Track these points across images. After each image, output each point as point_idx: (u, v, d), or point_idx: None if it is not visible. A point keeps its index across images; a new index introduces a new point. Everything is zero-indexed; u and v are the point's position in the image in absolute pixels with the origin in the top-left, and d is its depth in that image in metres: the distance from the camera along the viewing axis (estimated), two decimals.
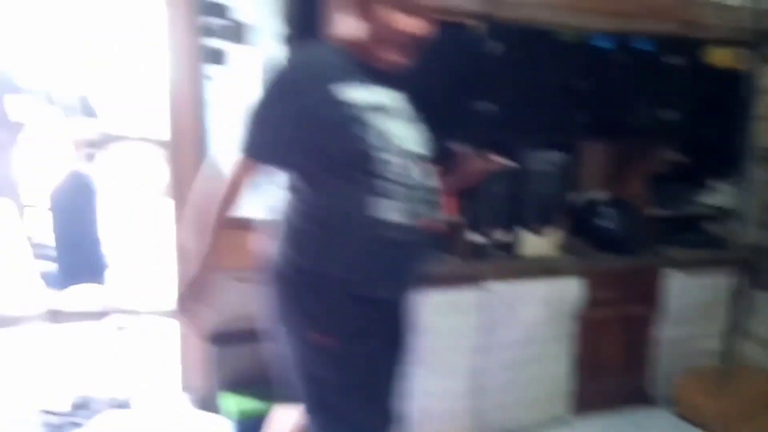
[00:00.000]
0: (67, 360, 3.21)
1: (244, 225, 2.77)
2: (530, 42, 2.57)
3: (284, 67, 1.62)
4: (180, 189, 2.78)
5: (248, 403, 2.61)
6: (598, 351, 2.82)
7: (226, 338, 2.78)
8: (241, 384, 2.73)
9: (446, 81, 2.48)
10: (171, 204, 2.84)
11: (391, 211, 1.57)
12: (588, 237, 2.93)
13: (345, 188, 1.58)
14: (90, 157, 3.86)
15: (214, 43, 2.67)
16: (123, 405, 2.80)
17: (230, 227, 2.72)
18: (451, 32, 2.43)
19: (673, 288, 2.86)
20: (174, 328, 3.09)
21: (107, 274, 3.89)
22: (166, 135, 2.81)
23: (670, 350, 2.93)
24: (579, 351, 2.77)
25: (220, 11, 2.60)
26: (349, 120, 1.54)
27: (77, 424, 2.62)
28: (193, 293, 1.73)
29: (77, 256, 3.75)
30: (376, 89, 1.61)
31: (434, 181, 1.69)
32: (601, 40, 2.68)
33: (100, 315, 3.75)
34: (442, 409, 2.55)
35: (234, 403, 2.60)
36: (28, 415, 2.63)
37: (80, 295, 3.88)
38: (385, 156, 1.56)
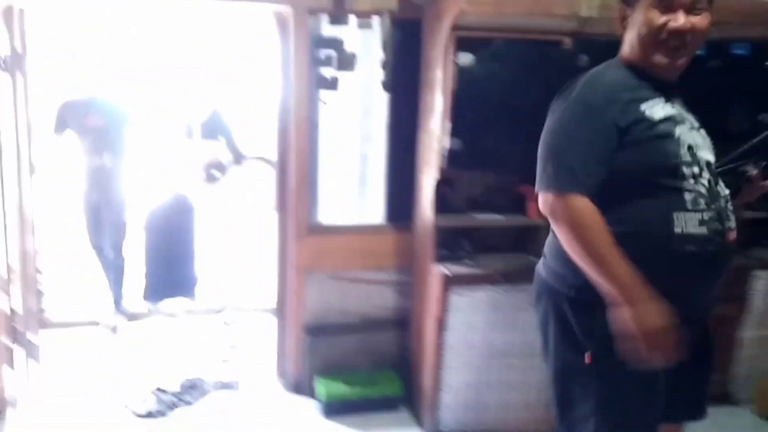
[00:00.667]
0: (180, 349, 3.58)
1: (337, 231, 3.04)
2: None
3: (584, 92, 1.56)
4: (285, 204, 3.08)
5: (336, 388, 2.82)
6: None
7: (318, 330, 3.02)
8: (330, 370, 2.95)
9: (538, 97, 2.59)
10: (276, 217, 3.15)
11: (694, 223, 1.49)
12: None
13: (649, 203, 1.51)
14: (210, 177, 4.15)
15: (327, 71, 2.93)
16: (228, 387, 3.10)
17: (327, 233, 2.99)
18: (544, 50, 2.55)
19: (761, 289, 2.82)
20: (270, 322, 3.37)
21: (197, 289, 4.19)
22: (276, 155, 3.11)
23: (754, 351, 2.87)
24: None
25: (332, 43, 2.87)
26: (659, 136, 1.50)
27: (187, 402, 2.93)
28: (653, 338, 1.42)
29: (168, 273, 4.06)
30: (667, 100, 1.56)
31: (725, 189, 1.61)
32: None
33: (210, 311, 4.15)
34: (523, 402, 2.64)
35: (323, 387, 2.82)
36: (145, 393, 2.97)
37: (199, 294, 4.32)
38: (692, 168, 1.52)
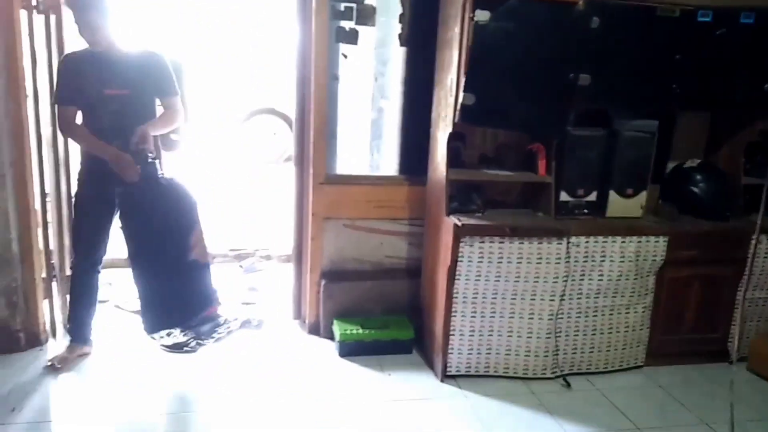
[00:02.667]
0: None
1: (354, 181, 3.15)
2: (631, 17, 2.67)
3: None
4: (304, 154, 3.18)
5: (351, 330, 3.01)
6: (678, 307, 2.96)
7: (334, 275, 3.19)
8: (344, 314, 3.14)
9: (548, 58, 2.65)
10: (294, 167, 3.26)
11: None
12: (678, 202, 3.04)
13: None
14: (228, 130, 3.89)
15: (347, 24, 2.98)
16: (248, 326, 3.30)
17: (343, 183, 3.11)
18: (558, 11, 2.59)
19: (761, 253, 2.94)
20: (287, 268, 3.54)
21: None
22: (295, 107, 3.18)
23: (750, 311, 3.03)
24: (658, 305, 2.93)
25: None
26: None
27: (210, 338, 3.13)
28: None
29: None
30: None
31: None
32: (703, 14, 2.72)
33: (230, 257, 4.34)
34: (526, 348, 2.81)
35: (339, 329, 3.01)
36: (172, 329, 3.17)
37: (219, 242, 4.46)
38: None
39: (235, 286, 3.87)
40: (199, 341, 3.08)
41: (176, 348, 3.00)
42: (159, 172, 2.69)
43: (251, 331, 3.27)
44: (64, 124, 2.69)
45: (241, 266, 4.20)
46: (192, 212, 2.80)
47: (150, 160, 2.64)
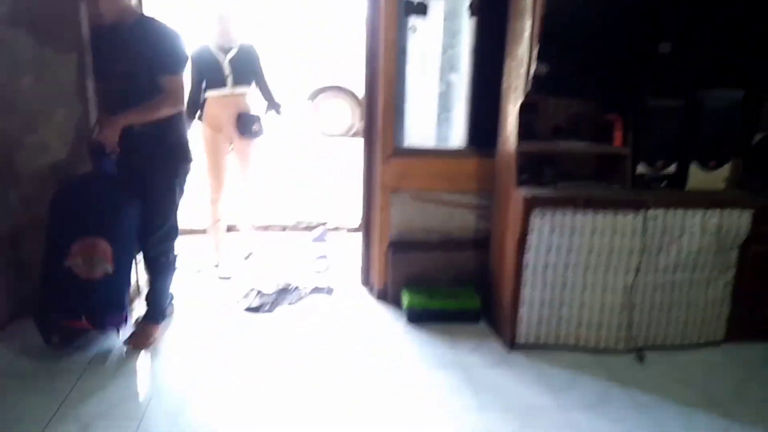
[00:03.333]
0: (275, 259, 3.92)
1: (422, 154, 3.18)
2: None
3: None
4: (373, 127, 3.23)
5: (419, 298, 3.07)
6: (761, 283, 2.83)
7: (401, 246, 3.24)
8: (412, 283, 3.19)
9: (626, 25, 2.56)
10: (363, 144, 3.32)
11: None
12: (765, 175, 2.90)
13: None
14: (297, 106, 3.88)
15: None
16: (319, 293, 3.41)
17: (411, 155, 3.14)
18: None
19: None
20: (356, 239, 3.62)
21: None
22: (364, 81, 3.21)
23: None
24: (740, 281, 2.82)
25: None
26: None
27: (283, 302, 3.27)
28: None
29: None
30: None
31: None
32: None
33: (304, 228, 4.48)
34: (597, 321, 2.79)
35: (407, 297, 3.07)
36: (248, 292, 3.33)
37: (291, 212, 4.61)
38: None
39: (305, 255, 4.00)
40: (274, 303, 3.24)
41: (254, 309, 3.17)
42: (110, 169, 2.59)
43: (321, 296, 3.38)
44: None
45: (311, 237, 4.32)
46: (106, 224, 2.57)
47: (107, 154, 2.50)
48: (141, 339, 2.77)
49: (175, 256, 2.87)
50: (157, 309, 2.86)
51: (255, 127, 3.62)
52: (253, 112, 3.66)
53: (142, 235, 2.70)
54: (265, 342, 2.87)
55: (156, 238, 2.74)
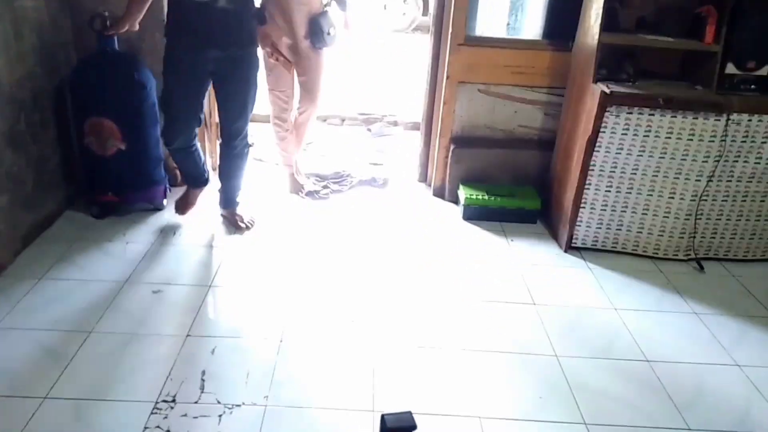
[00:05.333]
0: (331, 149, 3.92)
1: (493, 44, 3.02)
2: None
3: None
4: (443, 14, 3.06)
5: (477, 195, 3.04)
6: None
7: (463, 141, 3.17)
8: (472, 180, 3.16)
9: None
10: (431, 32, 3.16)
11: None
12: None
13: None
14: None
15: None
16: (375, 184, 3.42)
17: (482, 45, 2.99)
18: None
19: None
20: (413, 134, 3.54)
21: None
22: None
23: None
24: None
25: None
26: None
27: (339, 189, 3.31)
28: None
29: None
30: None
31: None
32: None
33: (363, 121, 4.43)
34: (660, 227, 2.72)
35: (466, 193, 3.05)
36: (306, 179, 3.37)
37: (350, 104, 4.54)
38: None
39: (363, 147, 3.98)
40: (329, 189, 3.28)
41: (311, 194, 3.22)
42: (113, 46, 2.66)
43: (376, 189, 3.39)
44: None
45: (369, 130, 4.29)
46: (110, 104, 2.65)
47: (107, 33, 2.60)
48: (233, 221, 2.84)
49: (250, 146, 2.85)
50: (232, 198, 2.86)
51: (329, 32, 2.92)
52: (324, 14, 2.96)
53: (230, 134, 2.68)
54: (321, 226, 2.93)
55: (243, 137, 2.71)
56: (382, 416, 1.35)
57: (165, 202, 2.97)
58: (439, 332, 2.19)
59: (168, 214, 2.91)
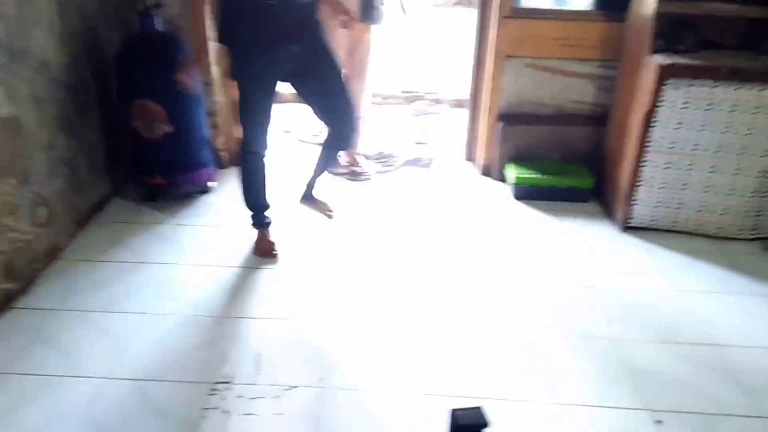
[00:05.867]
0: (375, 128, 3.86)
1: (542, 15, 2.90)
2: None
3: None
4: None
5: (527, 173, 2.95)
6: None
7: (511, 117, 3.08)
8: (520, 158, 3.07)
9: None
10: (478, 3, 3.05)
11: None
12: None
13: None
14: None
15: None
16: (419, 164, 3.37)
17: (530, 17, 2.88)
18: None
19: None
20: (459, 112, 3.44)
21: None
22: None
23: None
24: None
25: None
26: None
27: (384, 170, 3.27)
28: None
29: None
30: None
31: None
32: None
33: (406, 99, 4.36)
34: (723, 206, 2.59)
35: (514, 172, 2.97)
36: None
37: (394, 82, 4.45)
38: None
39: (407, 127, 3.91)
40: (376, 171, 3.25)
41: (353, 176, 3.18)
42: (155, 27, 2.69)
43: (421, 169, 3.34)
44: None
45: (412, 108, 4.21)
46: (153, 86, 2.62)
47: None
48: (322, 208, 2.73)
49: None
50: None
51: (379, 6, 2.87)
52: None
53: (345, 134, 2.51)
54: (369, 209, 2.90)
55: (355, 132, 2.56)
56: (453, 412, 1.28)
57: (212, 184, 2.98)
58: (495, 315, 2.14)
59: (215, 197, 2.92)
